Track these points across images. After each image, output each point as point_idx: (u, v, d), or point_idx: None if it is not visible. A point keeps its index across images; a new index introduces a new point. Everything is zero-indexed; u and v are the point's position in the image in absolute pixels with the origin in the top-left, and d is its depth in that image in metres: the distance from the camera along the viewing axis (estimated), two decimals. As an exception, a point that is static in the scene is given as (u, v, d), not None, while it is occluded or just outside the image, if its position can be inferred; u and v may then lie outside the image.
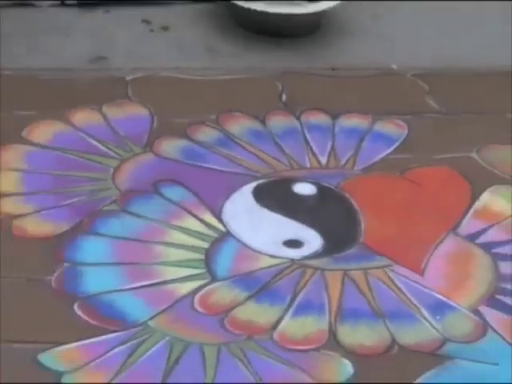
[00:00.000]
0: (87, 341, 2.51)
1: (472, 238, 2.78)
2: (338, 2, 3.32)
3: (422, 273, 2.71)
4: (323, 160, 2.98)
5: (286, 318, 2.60)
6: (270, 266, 2.73)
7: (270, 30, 3.24)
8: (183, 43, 3.36)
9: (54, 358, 2.47)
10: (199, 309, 2.61)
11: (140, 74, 3.30)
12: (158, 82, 3.28)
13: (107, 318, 2.59)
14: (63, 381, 2.41)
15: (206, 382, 2.42)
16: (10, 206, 2.81)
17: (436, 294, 2.66)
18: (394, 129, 3.06)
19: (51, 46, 3.32)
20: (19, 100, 3.14)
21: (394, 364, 2.50)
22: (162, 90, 3.24)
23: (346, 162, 2.99)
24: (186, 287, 2.66)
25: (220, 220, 2.81)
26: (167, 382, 2.42)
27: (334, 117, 3.11)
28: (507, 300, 2.64)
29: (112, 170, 2.91)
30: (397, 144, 3.06)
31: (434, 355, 2.52)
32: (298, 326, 2.58)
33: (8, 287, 2.64)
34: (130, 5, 3.42)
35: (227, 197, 2.88)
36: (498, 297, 2.64)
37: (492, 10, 3.63)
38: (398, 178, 2.94)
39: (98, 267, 2.70)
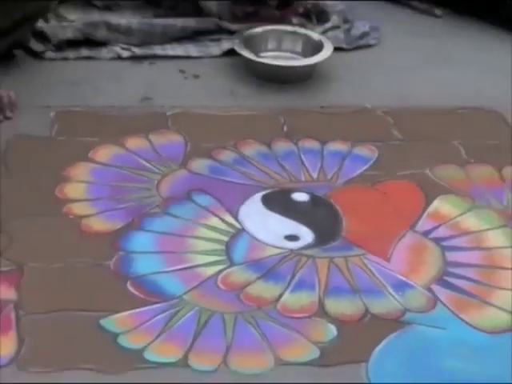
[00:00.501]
0: (136, 310, 2.54)
1: (426, 234, 2.82)
2: (326, 57, 3.34)
3: (388, 260, 2.74)
4: (314, 175, 3.02)
5: (286, 294, 2.63)
6: (274, 255, 2.76)
7: (275, 78, 3.29)
8: (210, 87, 3.41)
9: (112, 322, 2.51)
10: (221, 286, 2.63)
11: (177, 111, 3.30)
12: (191, 117, 3.30)
13: (151, 293, 2.62)
14: (118, 340, 2.45)
15: (227, 341, 2.47)
16: (79, 209, 2.85)
17: (399, 276, 2.69)
18: (367, 152, 3.09)
19: (110, 90, 3.33)
20: (86, 130, 3.17)
21: (367, 328, 2.57)
22: (193, 123, 3.26)
23: (332, 176, 3.02)
24: (210, 270, 2.69)
25: (237, 220, 2.85)
26: (197, 341, 2.47)
27: (323, 143, 3.14)
28: (452, 281, 2.67)
29: (156, 182, 2.95)
30: (370, 163, 3.09)
31: (397, 322, 2.57)
32: (295, 300, 2.62)
33: (77, 270, 2.69)
34: (169, 59, 3.45)
35: (242, 202, 2.91)
36: (445, 278, 2.69)
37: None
38: (370, 189, 2.97)
39: (144, 255, 2.72)
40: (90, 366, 2.35)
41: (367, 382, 2.36)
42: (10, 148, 3.09)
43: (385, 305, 2.62)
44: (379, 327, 2.54)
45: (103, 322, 2.50)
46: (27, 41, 3.36)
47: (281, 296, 2.62)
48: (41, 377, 2.33)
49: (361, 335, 2.52)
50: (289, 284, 2.67)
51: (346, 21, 3.74)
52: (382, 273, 2.72)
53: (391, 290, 2.66)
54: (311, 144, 3.19)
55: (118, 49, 3.51)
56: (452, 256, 2.77)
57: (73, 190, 2.93)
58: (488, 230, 2.86)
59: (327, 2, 3.81)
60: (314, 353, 2.46)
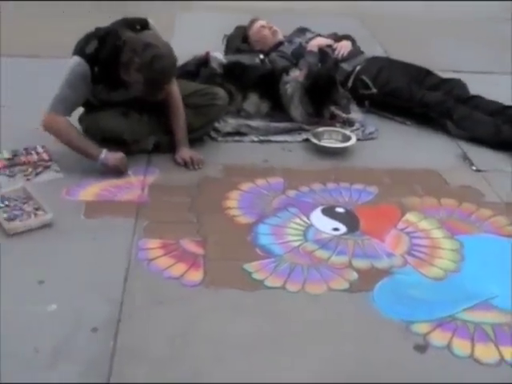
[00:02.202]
0: (260, 261, 2.59)
1: (402, 230, 2.82)
2: (353, 143, 3.37)
3: (384, 241, 2.76)
4: (347, 199, 3.03)
5: (333, 256, 2.67)
6: (327, 237, 2.77)
7: (328, 153, 3.39)
8: (298, 156, 3.42)
9: (249, 266, 2.56)
10: (301, 252, 2.68)
11: (281, 166, 3.33)
12: (287, 170, 3.29)
13: (267, 253, 2.65)
14: (252, 276, 2.49)
15: (304, 278, 2.50)
16: (233, 212, 2.86)
17: (388, 250, 2.70)
18: (372, 190, 3.13)
19: (247, 156, 3.42)
20: (236, 174, 3.18)
21: (372, 274, 2.57)
22: (288, 173, 3.25)
23: (355, 200, 3.03)
24: (296, 243, 2.71)
25: (309, 219, 2.86)
26: (289, 277, 2.49)
27: (351, 184, 3.15)
28: (414, 253, 2.68)
29: (269, 200, 2.97)
30: (374, 195, 3.09)
31: (387, 272, 2.58)
32: (337, 259, 2.65)
33: (226, 244, 2.67)
34: (277, 142, 3.59)
35: (311, 211, 2.92)
36: (411, 251, 2.70)
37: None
38: (374, 207, 2.98)
39: (264, 235, 2.75)
40: (238, 287, 2.43)
41: (373, 301, 2.40)
42: (200, 182, 3.08)
43: (381, 263, 2.65)
44: (378, 274, 2.52)
45: (245, 266, 2.57)
46: (209, 133, 3.34)
47: (330, 257, 2.66)
48: (213, 292, 2.39)
49: (369, 278, 2.55)
50: (333, 251, 2.71)
51: (362, 125, 3.70)
52: (380, 247, 2.74)
53: (385, 256, 2.69)
54: (345, 185, 3.17)
55: (252, 137, 3.60)
56: (414, 241, 2.79)
57: (230, 203, 2.94)
58: (432, 229, 2.80)
59: (353, 115, 3.70)
60: (346, 285, 2.51)
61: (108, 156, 2.95)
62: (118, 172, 2.99)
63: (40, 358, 1.96)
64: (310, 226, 2.81)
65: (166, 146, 3.35)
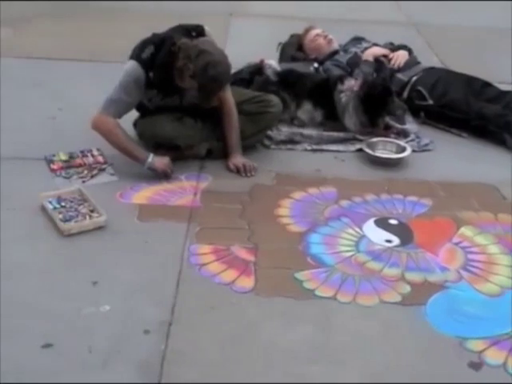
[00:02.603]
0: (312, 270, 2.59)
1: (456, 244, 2.80)
2: (408, 154, 3.37)
3: (437, 255, 2.73)
4: (400, 211, 3.01)
5: (385, 268, 2.65)
6: (379, 249, 2.75)
7: (382, 163, 3.36)
8: (350, 166, 3.41)
9: (300, 275, 2.56)
10: (353, 262, 2.68)
11: (333, 176, 3.32)
12: (341, 180, 3.27)
13: (318, 263, 2.65)
14: (303, 284, 2.49)
15: (356, 288, 2.51)
16: (285, 221, 2.87)
17: (442, 263, 2.68)
18: (426, 202, 3.11)
19: (298, 166, 3.44)
20: (288, 183, 3.19)
21: (425, 288, 2.54)
22: (342, 183, 3.24)
23: (409, 212, 3.00)
24: (348, 254, 2.68)
25: (361, 230, 2.85)
26: (340, 288, 2.49)
27: (404, 196, 3.12)
28: (470, 268, 2.65)
29: (322, 210, 2.97)
30: (428, 207, 3.07)
31: (440, 286, 2.56)
32: (389, 271, 2.63)
33: (277, 252, 2.67)
34: (329, 151, 3.59)
35: (364, 222, 2.91)
36: (466, 266, 2.66)
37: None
38: (428, 219, 2.96)
39: (315, 244, 2.75)
40: (289, 295, 2.42)
41: (425, 315, 2.37)
42: (252, 190, 3.09)
43: (435, 277, 2.62)
44: (432, 288, 2.50)
45: (296, 275, 2.57)
46: (262, 140, 3.36)
47: (382, 269, 2.65)
48: (264, 300, 2.40)
49: (422, 292, 2.53)
50: (386, 263, 2.69)
51: (417, 137, 3.68)
52: (434, 261, 2.72)
53: (438, 270, 2.67)
54: (399, 196, 3.14)
55: (305, 145, 3.61)
56: (470, 256, 2.75)
57: (282, 211, 2.95)
58: (488, 244, 2.79)
59: (408, 126, 3.68)
60: (398, 298, 2.49)
61: (155, 160, 2.98)
62: (164, 176, 3.02)
63: (93, 358, 2.00)
64: (363, 236, 2.79)
65: (219, 152, 3.38)
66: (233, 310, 2.25)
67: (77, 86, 4.15)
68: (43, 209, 2.74)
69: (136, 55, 2.91)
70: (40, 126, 3.61)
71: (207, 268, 2.50)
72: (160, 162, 2.98)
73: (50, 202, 2.78)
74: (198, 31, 3.00)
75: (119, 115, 2.96)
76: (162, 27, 3.18)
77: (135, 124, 3.38)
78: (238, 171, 3.15)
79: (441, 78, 4.00)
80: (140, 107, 3.12)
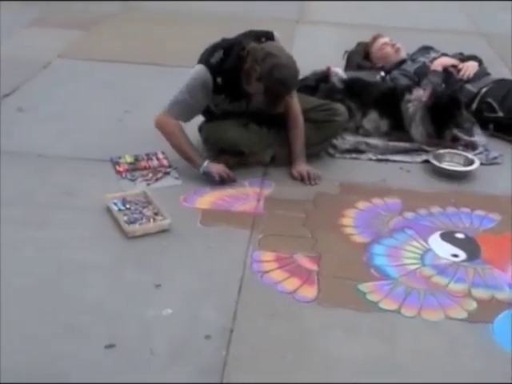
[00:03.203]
0: (375, 282, 2.55)
1: None
2: (476, 167, 3.33)
3: (505, 272, 2.67)
4: (467, 225, 2.96)
5: (451, 283, 2.61)
6: (446, 263, 2.71)
7: (449, 176, 3.32)
8: (416, 178, 3.40)
9: (364, 287, 2.54)
10: (417, 276, 2.64)
11: (398, 187, 3.28)
12: (405, 191, 3.23)
13: (382, 275, 2.63)
14: (367, 296, 2.47)
15: (420, 303, 2.46)
16: (349, 231, 2.85)
17: (510, 280, 2.62)
18: (494, 217, 3.03)
19: (363, 175, 3.42)
20: (354, 192, 3.16)
21: (492, 305, 2.49)
22: (406, 194, 3.20)
23: (476, 227, 2.96)
24: (412, 267, 2.67)
25: (427, 243, 2.81)
26: (405, 301, 2.45)
27: (472, 210, 3.08)
28: None
29: (387, 221, 2.94)
30: (496, 222, 3.00)
31: (508, 304, 2.50)
32: (455, 287, 2.58)
33: (341, 262, 2.66)
34: (395, 162, 3.55)
35: (429, 235, 2.87)
36: None
37: None
38: (496, 235, 2.89)
39: (379, 256, 2.72)
40: (351, 307, 2.40)
41: (493, 334, 2.32)
42: (316, 198, 3.10)
43: (503, 294, 2.56)
44: (500, 306, 2.44)
45: (359, 286, 2.55)
46: (327, 149, 3.34)
47: (448, 284, 2.61)
48: (326, 310, 2.38)
49: (489, 309, 2.48)
50: (452, 278, 2.65)
51: (486, 149, 3.60)
52: (502, 278, 2.66)
53: (507, 288, 2.60)
54: (465, 210, 3.09)
55: (370, 155, 3.60)
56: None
57: (346, 221, 2.93)
58: None
59: (476, 139, 3.61)
60: (464, 314, 2.44)
61: (210, 165, 3.03)
62: (220, 181, 3.05)
63: (155, 360, 2.02)
64: (428, 250, 2.76)
65: (283, 159, 3.38)
66: (294, 319, 2.23)
67: (142, 89, 4.25)
68: (108, 210, 2.77)
69: (205, 60, 2.93)
70: (107, 128, 3.70)
71: (270, 275, 2.51)
72: (215, 167, 3.04)
73: (115, 204, 2.80)
74: (267, 37, 3.00)
75: (183, 117, 2.99)
76: (226, 31, 3.21)
77: (200, 128, 3.42)
78: (302, 179, 3.15)
79: (511, 89, 3.89)
80: (206, 112, 3.14)
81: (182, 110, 2.95)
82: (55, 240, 2.58)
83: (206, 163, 3.03)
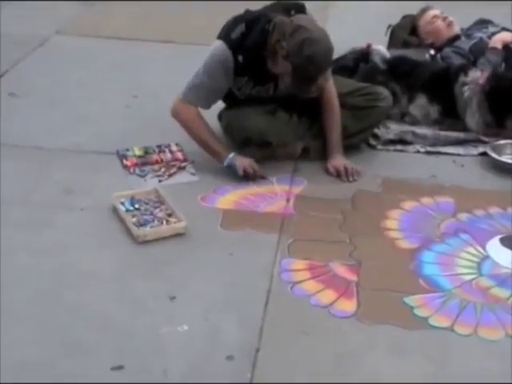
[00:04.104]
0: (424, 295, 2.54)
1: None
2: None
3: None
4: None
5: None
6: (506, 273, 2.69)
7: (507, 170, 3.29)
8: (471, 173, 3.41)
9: (410, 300, 2.53)
10: (474, 287, 2.62)
11: (452, 185, 3.29)
12: (458, 188, 3.25)
13: (432, 286, 2.62)
14: (414, 311, 2.45)
15: (477, 318, 2.45)
16: (394, 235, 2.86)
17: None
18: None
19: (406, 169, 3.43)
20: (397, 190, 3.18)
21: None
22: (460, 192, 3.22)
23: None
24: (468, 277, 2.65)
25: (484, 250, 2.80)
26: (458, 317, 2.44)
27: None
28: None
29: (437, 223, 2.95)
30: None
31: None
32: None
33: (384, 272, 2.65)
34: (447, 154, 3.57)
35: (488, 240, 2.86)
36: None
37: None
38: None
39: (429, 264, 2.72)
40: (397, 323, 2.37)
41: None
42: (355, 197, 3.10)
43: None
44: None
45: (406, 299, 2.53)
46: (367, 139, 3.34)
47: (509, 297, 2.58)
48: (367, 327, 2.37)
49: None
50: (512, 289, 2.60)
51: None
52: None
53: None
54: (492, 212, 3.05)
55: (418, 147, 3.57)
56: None
57: (390, 223, 2.91)
58: None
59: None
60: (529, 333, 2.41)
61: (236, 157, 3.02)
62: (246, 176, 3.04)
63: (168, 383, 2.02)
64: (486, 257, 2.72)
65: (316, 153, 3.38)
66: (330, 337, 2.22)
67: (153, 71, 4.27)
68: (114, 210, 2.78)
69: (225, 34, 2.92)
70: (113, 116, 3.71)
71: (301, 286, 2.51)
72: (242, 160, 3.02)
73: (123, 204, 2.80)
74: (297, 9, 2.97)
75: (201, 103, 3.00)
76: (251, 3, 3.18)
77: (220, 116, 3.42)
78: (338, 175, 3.15)
79: None
80: (227, 97, 3.13)
81: (199, 94, 2.96)
82: (54, 245, 2.58)
83: (231, 155, 3.02)
